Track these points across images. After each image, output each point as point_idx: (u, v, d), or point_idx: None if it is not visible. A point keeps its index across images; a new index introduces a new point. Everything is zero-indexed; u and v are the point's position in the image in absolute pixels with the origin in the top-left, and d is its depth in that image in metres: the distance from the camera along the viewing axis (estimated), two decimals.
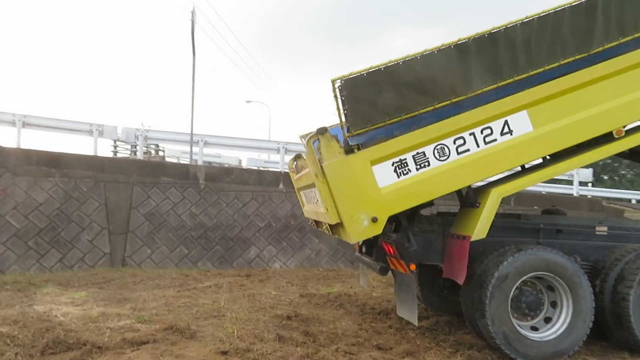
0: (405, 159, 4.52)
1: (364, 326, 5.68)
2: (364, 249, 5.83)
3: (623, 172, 41.30)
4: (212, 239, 10.93)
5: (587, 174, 15.31)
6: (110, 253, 10.21)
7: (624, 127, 4.88)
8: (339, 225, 4.53)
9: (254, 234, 11.18)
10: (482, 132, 4.65)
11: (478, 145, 4.62)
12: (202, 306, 6.33)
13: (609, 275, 4.96)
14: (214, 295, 7.03)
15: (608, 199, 17.09)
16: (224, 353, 4.50)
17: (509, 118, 4.66)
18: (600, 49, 4.74)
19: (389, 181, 4.46)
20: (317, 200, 5.06)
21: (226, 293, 7.25)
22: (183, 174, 11.44)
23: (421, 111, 4.57)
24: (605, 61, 4.73)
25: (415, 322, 4.73)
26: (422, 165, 4.55)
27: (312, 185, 5.05)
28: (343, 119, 4.43)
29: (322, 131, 4.38)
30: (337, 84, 4.26)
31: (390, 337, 5.24)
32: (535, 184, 4.98)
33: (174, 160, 18.15)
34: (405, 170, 4.52)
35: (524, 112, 4.68)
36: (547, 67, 4.69)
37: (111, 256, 10.22)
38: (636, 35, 4.77)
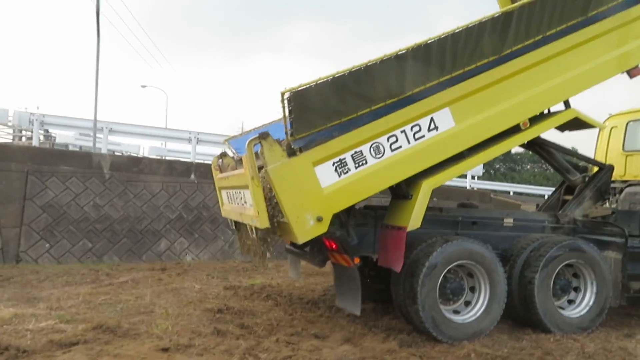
0: (345, 158, 4.69)
1: (296, 316, 5.83)
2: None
3: (497, 165, 45.66)
4: (119, 231, 10.38)
5: (479, 168, 16.79)
6: (1, 248, 9.31)
7: (529, 119, 5.51)
8: (284, 226, 4.62)
9: (165, 226, 10.81)
10: (411, 129, 4.98)
11: (409, 142, 4.94)
12: (126, 302, 6.08)
13: (516, 262, 5.57)
14: (134, 291, 6.76)
15: (494, 191, 18.87)
16: (165, 350, 4.39)
17: (434, 115, 5.04)
18: (509, 50, 5.30)
19: (330, 181, 4.61)
20: (245, 202, 5.09)
21: (146, 288, 6.99)
22: (85, 162, 10.71)
23: (359, 113, 4.78)
24: (511, 60, 5.31)
25: (358, 313, 4.95)
26: (361, 163, 4.76)
27: (242, 187, 5.06)
28: (288, 126, 4.49)
29: (264, 136, 4.40)
30: (286, 96, 4.32)
31: (324, 326, 5.45)
32: (459, 174, 5.44)
33: (62, 149, 16.84)
34: (345, 169, 4.70)
35: (447, 109, 5.10)
36: (466, 69, 5.15)
37: (2, 251, 9.33)
38: (536, 39, 5.42)
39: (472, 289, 5.36)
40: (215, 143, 12.94)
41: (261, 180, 4.54)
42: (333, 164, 4.66)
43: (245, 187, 4.79)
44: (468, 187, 16.70)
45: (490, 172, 42.25)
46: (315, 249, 5.45)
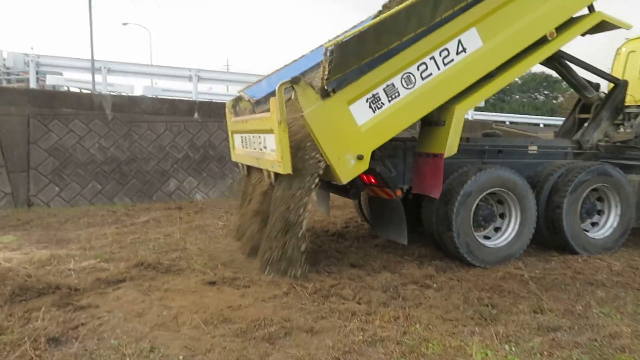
0: (377, 93, 4.67)
1: (325, 247, 5.94)
2: None
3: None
4: (127, 173, 10.31)
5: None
6: (11, 193, 9.21)
7: (555, 28, 5.43)
8: (328, 167, 4.58)
9: (172, 166, 10.74)
10: (440, 55, 4.93)
11: (439, 68, 4.90)
12: (156, 241, 6.13)
13: (543, 188, 5.69)
14: (160, 230, 6.81)
15: (494, 121, 18.88)
16: (212, 283, 4.48)
17: (461, 37, 4.98)
18: None
19: (366, 118, 4.60)
20: (265, 147, 5.01)
21: (170, 226, 7.05)
22: (86, 104, 10.44)
23: (390, 47, 4.68)
24: None
25: (405, 242, 5.10)
26: (394, 96, 4.73)
27: (263, 132, 4.97)
28: (326, 72, 4.36)
29: (296, 80, 4.32)
30: (330, 49, 4.17)
31: (357, 256, 5.56)
32: (490, 95, 5.41)
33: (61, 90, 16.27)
34: (379, 104, 4.67)
35: (473, 29, 5.03)
36: None
37: (13, 196, 9.23)
38: None
39: (502, 215, 5.49)
40: (216, 80, 12.68)
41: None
42: (367, 100, 4.63)
43: (268, 131, 4.71)
44: (470, 119, 16.65)
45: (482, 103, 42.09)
46: (350, 183, 5.49)
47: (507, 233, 5.40)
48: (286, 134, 4.39)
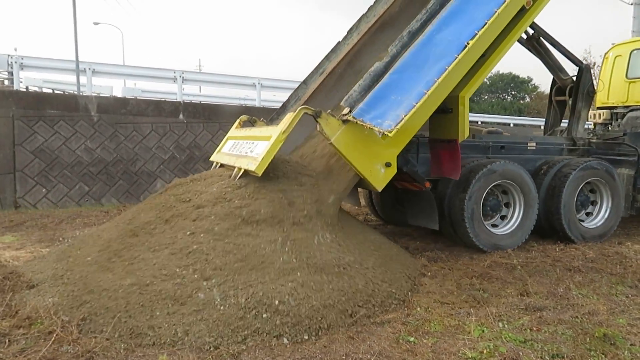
0: None
1: None
2: None
3: None
4: (114, 174, 10.40)
5: None
6: None
7: None
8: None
9: (159, 167, 10.88)
10: None
11: None
12: None
13: (542, 182, 6.22)
14: None
15: (472, 122, 19.53)
16: None
17: None
18: None
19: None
20: (251, 151, 5.11)
21: None
22: (71, 105, 10.47)
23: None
24: None
25: (437, 227, 5.55)
26: None
27: (259, 139, 5.13)
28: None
29: (318, 114, 4.64)
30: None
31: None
32: (487, 75, 5.76)
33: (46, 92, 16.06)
34: None
35: None
36: None
37: (0, 198, 9.24)
38: None
39: (507, 205, 6.02)
40: (203, 82, 12.83)
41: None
42: None
43: (264, 138, 4.89)
44: None
45: None
46: None
47: (511, 222, 5.96)
48: (280, 144, 4.60)
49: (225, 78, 12.94)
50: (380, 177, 4.90)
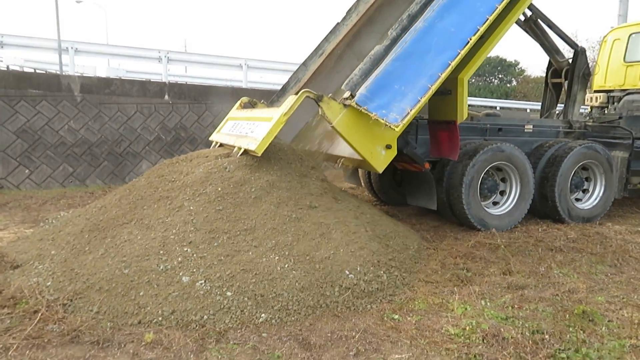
0: None
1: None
2: None
3: None
4: (99, 155, 10.28)
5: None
6: None
7: None
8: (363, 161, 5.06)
9: (144, 148, 10.78)
10: None
11: None
12: None
13: (537, 164, 6.31)
14: None
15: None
16: None
17: None
18: None
19: None
20: (252, 132, 5.18)
21: None
22: (54, 85, 10.28)
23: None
24: None
25: (435, 207, 5.65)
26: None
27: (261, 120, 5.18)
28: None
29: (320, 98, 4.69)
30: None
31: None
32: (485, 57, 5.71)
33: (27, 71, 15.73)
34: None
35: None
36: None
37: None
38: None
39: (504, 180, 6.14)
40: (188, 62, 12.67)
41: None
42: None
43: (265, 119, 4.95)
44: None
45: None
46: None
47: (507, 203, 6.07)
48: (281, 126, 4.68)
49: (211, 59, 12.78)
50: (381, 159, 4.96)
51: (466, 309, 3.68)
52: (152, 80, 12.64)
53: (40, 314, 3.33)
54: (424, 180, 5.71)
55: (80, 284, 3.69)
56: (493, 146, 5.82)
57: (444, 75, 4.85)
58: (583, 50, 7.10)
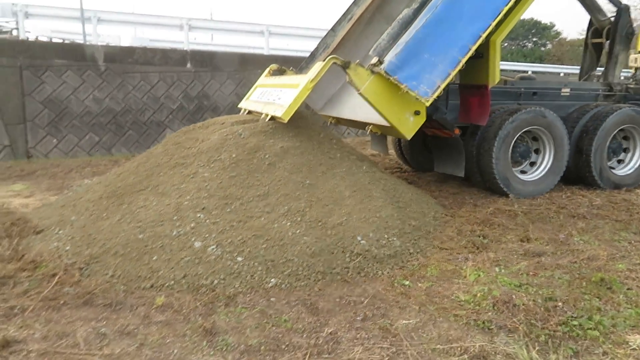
0: None
1: None
2: None
3: None
4: (123, 124, 10.43)
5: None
6: (10, 145, 9.33)
7: None
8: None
9: (167, 117, 10.87)
10: None
11: None
12: None
13: (574, 129, 6.08)
14: None
15: None
16: None
17: None
18: None
19: None
20: (279, 98, 5.22)
21: None
22: (79, 55, 10.39)
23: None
24: None
25: (462, 174, 5.57)
26: None
27: (288, 86, 5.21)
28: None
29: (347, 65, 4.60)
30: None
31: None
32: (517, 20, 5.48)
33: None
34: None
35: None
36: None
37: (12, 148, 9.36)
38: None
39: (537, 151, 5.95)
40: (209, 29, 12.60)
41: None
42: None
43: (292, 86, 4.95)
44: None
45: None
46: None
47: (540, 168, 5.90)
48: (307, 92, 4.68)
49: (232, 25, 12.65)
50: (409, 126, 4.87)
51: (479, 275, 3.62)
52: (175, 48, 12.63)
53: (57, 277, 3.43)
54: (453, 146, 5.59)
55: (97, 248, 3.78)
56: (536, 109, 5.63)
57: (474, 48, 4.71)
58: (627, 8, 6.69)
